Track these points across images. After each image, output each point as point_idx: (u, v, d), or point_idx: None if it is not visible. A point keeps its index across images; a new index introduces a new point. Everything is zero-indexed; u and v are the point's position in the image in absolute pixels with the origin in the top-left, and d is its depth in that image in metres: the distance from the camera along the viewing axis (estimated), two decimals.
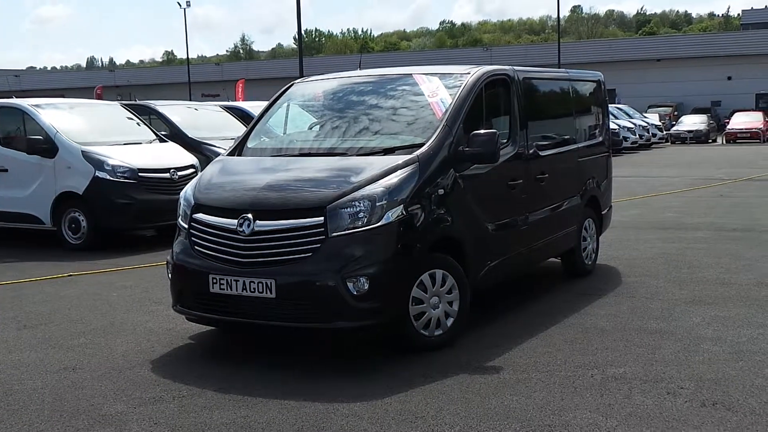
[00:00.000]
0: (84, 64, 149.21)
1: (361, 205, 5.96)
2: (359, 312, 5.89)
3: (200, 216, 6.42)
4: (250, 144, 7.43)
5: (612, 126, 32.74)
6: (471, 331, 6.78)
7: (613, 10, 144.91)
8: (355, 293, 5.83)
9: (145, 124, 13.75)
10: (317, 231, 5.93)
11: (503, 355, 6.20)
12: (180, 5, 67.57)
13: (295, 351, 6.50)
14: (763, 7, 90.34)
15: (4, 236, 13.08)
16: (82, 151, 11.73)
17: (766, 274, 8.95)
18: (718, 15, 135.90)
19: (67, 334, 7.24)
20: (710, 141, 42.99)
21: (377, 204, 5.97)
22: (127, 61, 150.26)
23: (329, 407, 5.20)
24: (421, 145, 6.45)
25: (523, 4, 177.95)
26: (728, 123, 43.65)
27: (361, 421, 4.97)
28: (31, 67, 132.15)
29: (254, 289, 5.94)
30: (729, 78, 59.62)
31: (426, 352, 6.23)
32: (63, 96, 18.11)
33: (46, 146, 11.87)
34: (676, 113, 49.98)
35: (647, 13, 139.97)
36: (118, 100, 19.44)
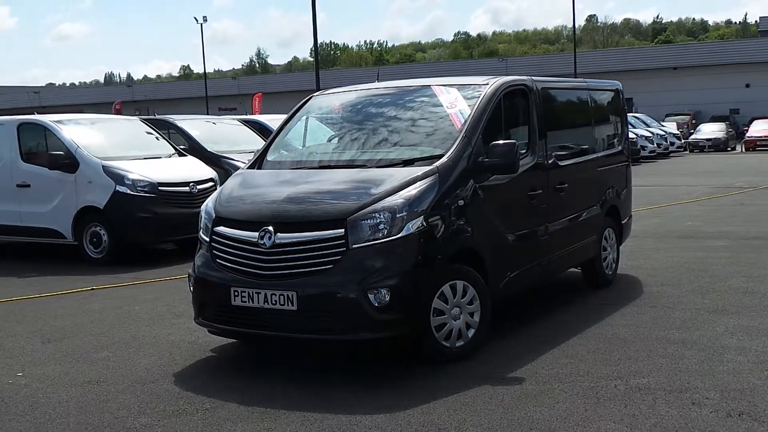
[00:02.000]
0: (102, 80, 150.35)
1: (382, 216, 5.96)
2: (381, 323, 5.89)
3: (221, 229, 6.44)
4: (269, 157, 7.45)
5: (629, 135, 32.77)
6: (492, 341, 6.75)
7: (629, 19, 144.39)
8: (376, 305, 5.83)
9: (165, 138, 13.84)
10: (338, 243, 5.93)
11: (525, 366, 6.17)
12: (197, 20, 68.04)
13: (316, 363, 6.51)
14: None
15: (27, 251, 13.18)
16: (102, 165, 11.82)
17: None
18: (736, 22, 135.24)
19: (91, 347, 7.28)
20: (729, 149, 42.71)
21: (397, 215, 5.97)
22: (145, 77, 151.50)
23: (352, 419, 5.19)
24: (440, 156, 6.45)
25: (538, 14, 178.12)
26: (747, 131, 43.36)
27: None
28: (51, 83, 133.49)
29: (276, 301, 5.95)
30: (747, 85, 59.30)
31: (448, 364, 6.21)
32: (82, 112, 18.19)
33: (68, 161, 11.98)
34: (694, 122, 49.73)
35: (663, 21, 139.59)
36: (136, 115, 19.57)
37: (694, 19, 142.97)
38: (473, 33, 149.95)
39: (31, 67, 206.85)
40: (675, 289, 8.80)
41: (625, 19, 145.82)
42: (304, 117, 7.94)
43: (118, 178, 11.68)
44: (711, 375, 5.82)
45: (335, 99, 8.02)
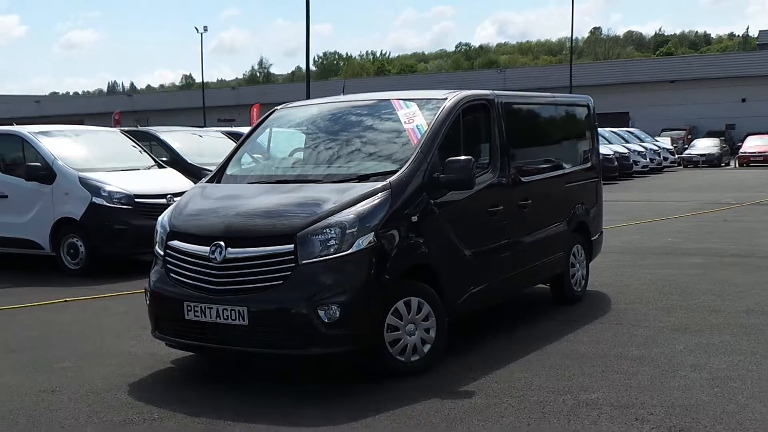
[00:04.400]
0: (105, 89, 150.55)
1: (332, 232, 5.99)
2: (331, 339, 5.92)
3: (175, 243, 6.47)
4: (229, 171, 7.46)
5: (622, 150, 32.77)
6: (451, 355, 6.76)
7: (632, 31, 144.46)
8: (326, 321, 5.85)
9: (145, 150, 13.89)
10: (288, 258, 5.97)
11: (479, 380, 6.20)
12: (197, 30, 68.29)
13: (268, 376, 6.53)
14: None
15: (3, 262, 13.19)
16: (79, 177, 11.82)
17: (758, 302, 8.84)
18: (738, 35, 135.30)
19: (53, 358, 7.29)
20: (723, 164, 42.68)
21: (348, 231, 5.99)
22: (148, 86, 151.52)
23: (294, 431, 5.24)
24: (394, 172, 6.47)
25: (544, 26, 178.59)
26: (741, 146, 43.35)
27: None
28: (54, 92, 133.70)
29: (227, 316, 5.99)
30: (743, 100, 59.22)
31: (402, 377, 6.23)
32: (82, 122, 18.21)
33: (45, 173, 11.98)
34: (689, 136, 49.73)
35: (666, 34, 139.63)
36: (135, 126, 19.62)
37: (696, 32, 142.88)
38: (478, 44, 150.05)
39: (38, 75, 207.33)
40: (643, 306, 8.81)
41: (628, 32, 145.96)
42: (267, 130, 7.98)
43: (95, 189, 11.69)
44: (660, 391, 5.86)
45: (298, 112, 8.06)
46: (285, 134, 8.01)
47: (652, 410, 5.43)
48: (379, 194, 6.25)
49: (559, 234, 8.67)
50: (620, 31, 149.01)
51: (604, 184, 24.78)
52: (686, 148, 44.40)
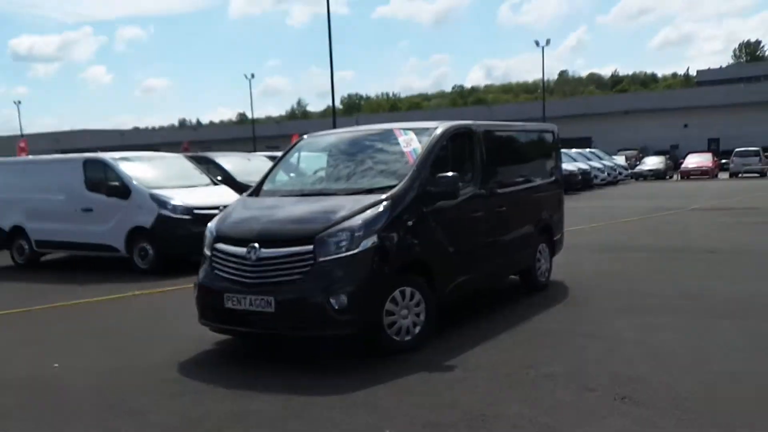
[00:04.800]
0: (177, 124, 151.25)
1: (343, 235, 5.89)
2: (341, 322, 5.80)
3: (220, 245, 6.39)
4: (265, 187, 7.38)
5: (585, 167, 32.44)
6: (438, 335, 6.62)
7: (593, 73, 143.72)
8: (337, 307, 5.74)
9: (203, 171, 13.83)
10: (308, 257, 5.87)
11: (459, 356, 6.04)
12: (246, 77, 68.83)
13: (295, 355, 6.40)
14: (718, 66, 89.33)
15: (88, 263, 13.18)
16: (150, 193, 11.77)
17: (688, 287, 8.64)
18: (680, 75, 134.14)
19: (123, 342, 7.20)
20: (668, 177, 42.20)
21: (356, 234, 5.89)
22: (210, 121, 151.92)
23: (310, 399, 5.12)
24: (394, 186, 6.37)
25: (522, 69, 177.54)
26: (683, 163, 42.86)
27: (332, 410, 4.89)
28: (136, 127, 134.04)
29: (258, 304, 5.90)
30: (685, 126, 58.72)
31: (397, 354, 6.09)
32: (157, 150, 18.07)
33: (122, 190, 11.96)
34: (640, 155, 49.16)
35: (621, 75, 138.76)
36: (200, 152, 19.54)
37: (646, 72, 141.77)
38: (470, 86, 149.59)
39: (122, 114, 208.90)
40: (595, 292, 8.62)
41: (590, 73, 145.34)
42: (297, 153, 7.89)
43: (162, 203, 11.64)
44: (607, 364, 5.68)
45: (322, 140, 7.96)
46: (311, 156, 7.91)
47: (600, 381, 5.26)
48: (382, 204, 6.16)
49: (528, 235, 8.52)
50: (584, 73, 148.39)
51: (570, 194, 24.53)
52: (637, 165, 43.88)
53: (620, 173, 37.96)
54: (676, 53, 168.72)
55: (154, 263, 11.73)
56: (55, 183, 12.96)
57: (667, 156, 47.08)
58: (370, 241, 5.93)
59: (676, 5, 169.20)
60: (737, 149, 41.46)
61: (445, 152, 6.99)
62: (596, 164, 34.70)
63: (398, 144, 6.97)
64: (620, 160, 41.74)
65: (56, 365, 6.40)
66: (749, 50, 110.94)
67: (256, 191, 7.36)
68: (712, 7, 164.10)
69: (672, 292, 8.44)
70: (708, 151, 48.52)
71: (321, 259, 5.84)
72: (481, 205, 7.42)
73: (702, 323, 6.90)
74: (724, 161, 43.46)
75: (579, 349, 6.16)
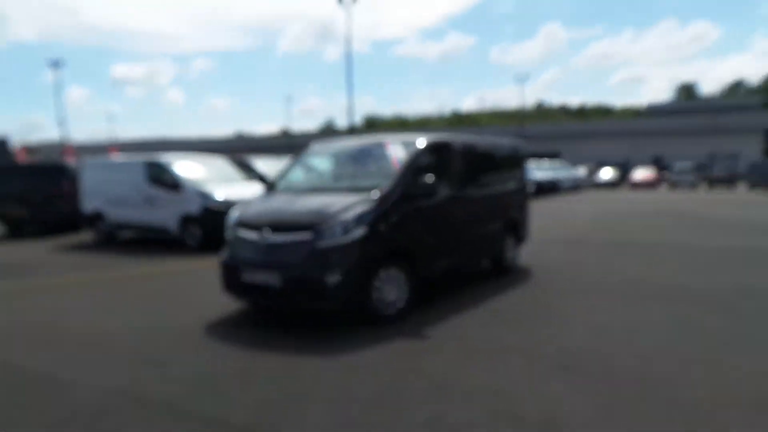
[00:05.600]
0: (233, 135, 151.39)
1: (338, 225, 5.60)
2: (334, 297, 5.52)
3: (240, 230, 6.13)
4: (281, 185, 7.09)
5: (554, 176, 31.92)
6: (419, 310, 6.32)
7: (564, 104, 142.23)
8: (331, 284, 5.46)
9: (241, 171, 13.58)
10: (308, 243, 5.59)
11: (434, 328, 5.74)
12: (286, 99, 69.12)
13: (299, 323, 6.09)
14: (662, 101, 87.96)
15: (150, 243, 13.00)
16: (196, 189, 11.56)
17: (629, 276, 8.21)
18: (632, 106, 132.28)
19: (165, 306, 6.98)
20: (619, 186, 41.41)
21: (348, 225, 5.61)
22: (261, 135, 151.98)
23: (306, 360, 4.85)
24: (382, 187, 6.05)
25: (508, 98, 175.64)
26: (631, 174, 42.05)
27: (323, 370, 4.62)
28: (204, 137, 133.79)
29: (267, 279, 5.64)
30: (634, 146, 57.88)
31: (383, 325, 5.80)
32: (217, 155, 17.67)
33: (174, 185, 11.76)
34: (597, 167, 48.30)
35: (587, 105, 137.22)
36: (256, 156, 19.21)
37: (606, 104, 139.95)
38: (465, 110, 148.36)
39: (192, 126, 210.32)
40: (553, 277, 8.23)
41: (561, 104, 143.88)
42: (306, 158, 7.58)
43: (206, 196, 11.41)
44: (556, 338, 5.35)
45: (328, 146, 7.65)
46: (317, 160, 7.58)
47: (548, 352, 4.95)
48: (371, 201, 5.85)
49: (497, 229, 8.17)
50: (556, 103, 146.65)
51: (541, 197, 23.96)
52: (595, 175, 43.08)
53: (582, 182, 37.25)
54: (631, 89, 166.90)
55: (200, 243, 11.50)
56: (125, 178, 12.83)
57: (619, 169, 46.25)
58: (360, 231, 5.63)
59: (632, 52, 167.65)
60: (676, 165, 40.74)
61: (425, 160, 6.64)
62: (562, 174, 34.07)
63: (388, 152, 6.65)
64: (582, 171, 40.98)
65: (112, 323, 6.17)
66: (687, 90, 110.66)
67: (273, 188, 7.07)
68: (661, 55, 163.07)
69: (616, 278, 8.04)
70: (652, 165, 47.66)
71: (319, 244, 5.55)
72: (457, 204, 7.07)
73: (638, 305, 6.52)
74: (665, 172, 42.61)
75: (534, 325, 5.82)
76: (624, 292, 7.21)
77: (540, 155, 49.75)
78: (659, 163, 52.27)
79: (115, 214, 13.06)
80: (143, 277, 9.00)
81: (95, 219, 13.54)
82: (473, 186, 7.49)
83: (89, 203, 13.62)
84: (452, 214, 6.97)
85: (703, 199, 25.24)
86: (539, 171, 31.29)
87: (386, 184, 6.09)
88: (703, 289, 7.29)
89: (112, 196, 13.08)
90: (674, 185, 38.92)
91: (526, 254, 9.66)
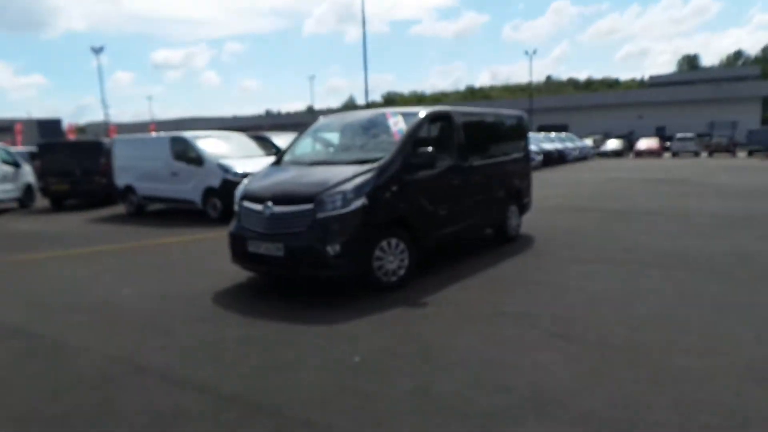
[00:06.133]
0: (263, 113, 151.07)
1: (338, 197, 5.30)
2: (335, 266, 5.25)
3: (245, 203, 5.87)
4: (285, 158, 6.79)
5: (561, 147, 31.02)
6: (420, 277, 6.03)
7: (571, 77, 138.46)
8: (332, 254, 5.20)
9: (260, 146, 13.29)
10: (309, 213, 5.31)
11: (432, 295, 5.45)
12: (308, 78, 68.49)
13: (302, 291, 5.84)
14: (662, 73, 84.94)
15: (174, 213, 12.88)
16: (217, 163, 11.31)
17: (629, 243, 7.79)
18: (638, 79, 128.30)
19: (178, 273, 6.80)
20: (625, 156, 40.21)
21: (348, 196, 5.30)
22: (287, 112, 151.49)
23: (303, 328, 4.60)
24: (381, 158, 5.72)
25: (519, 73, 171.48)
26: (636, 144, 40.78)
27: (318, 338, 4.37)
28: (234, 115, 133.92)
29: (271, 250, 5.39)
30: (640, 117, 56.09)
31: (384, 292, 5.54)
32: (247, 132, 17.26)
33: (197, 160, 11.53)
34: (604, 138, 46.93)
35: (593, 78, 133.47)
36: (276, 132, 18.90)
37: (611, 77, 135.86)
38: (479, 86, 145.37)
39: (225, 105, 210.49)
40: (553, 244, 7.86)
41: (569, 77, 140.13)
42: (314, 131, 7.25)
43: (226, 169, 11.14)
44: (551, 306, 5.03)
45: (334, 119, 7.30)
46: (322, 134, 7.25)
47: (543, 321, 4.63)
48: (370, 172, 5.53)
49: (499, 198, 7.78)
50: (564, 77, 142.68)
51: (548, 168, 23.28)
52: (601, 146, 41.88)
53: (589, 152, 36.21)
54: (635, 63, 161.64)
55: (221, 214, 11.29)
56: (153, 154, 12.63)
57: (625, 139, 44.90)
58: (359, 202, 5.33)
59: (637, 27, 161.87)
60: (677, 135, 39.42)
61: (426, 132, 6.29)
62: (570, 145, 33.13)
63: (388, 124, 6.28)
64: (589, 141, 39.83)
65: (126, 291, 6.02)
66: (689, 61, 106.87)
67: (279, 161, 6.77)
68: (663, 29, 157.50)
69: (615, 246, 7.63)
70: (656, 136, 46.17)
71: (320, 215, 5.27)
72: (458, 174, 6.70)
73: (635, 272, 6.16)
74: (667, 144, 41.25)
75: (531, 293, 5.49)
76: (622, 259, 6.82)
77: (548, 127, 48.60)
78: (662, 133, 50.68)
79: (144, 187, 12.92)
80: (163, 247, 8.85)
81: (127, 193, 13.46)
82: (475, 156, 7.10)
83: (121, 178, 13.52)
84: (454, 184, 6.61)
85: (704, 166, 24.33)
86: (546, 142, 30.44)
87: (386, 155, 5.75)
88: (701, 255, 6.87)
89: (141, 171, 12.93)
90: (677, 153, 37.74)
91: (529, 222, 9.28)
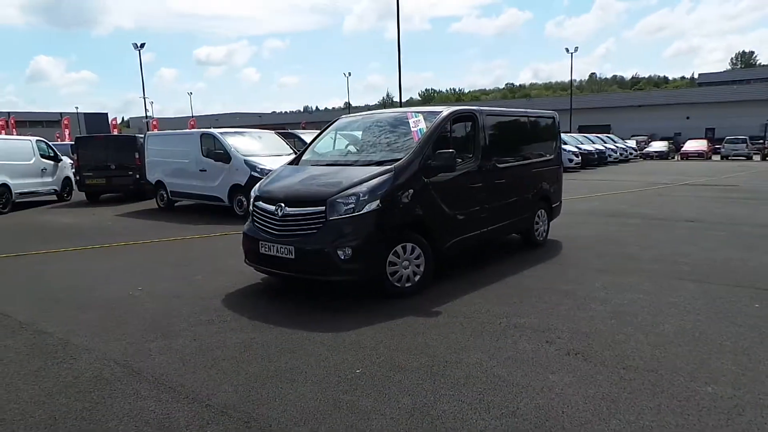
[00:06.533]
0: (301, 109, 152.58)
1: (351, 199, 5.14)
2: (346, 270, 5.10)
3: (259, 203, 5.78)
4: (304, 157, 6.66)
5: (600, 148, 30.04)
6: (436, 283, 5.81)
7: (616, 75, 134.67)
8: (342, 258, 5.04)
9: (288, 144, 13.26)
10: (321, 216, 5.17)
11: (446, 303, 5.23)
12: (344, 75, 68.72)
13: (314, 295, 5.70)
14: (713, 71, 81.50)
15: (202, 208, 13.00)
16: (244, 160, 11.34)
17: (664, 253, 7.38)
18: (687, 77, 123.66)
19: (193, 272, 6.72)
20: (670, 158, 38.75)
21: (361, 198, 5.13)
22: (325, 108, 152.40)
23: (307, 335, 4.46)
24: (398, 160, 5.53)
25: (564, 71, 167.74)
26: (683, 146, 39.23)
27: (321, 346, 4.21)
28: (273, 111, 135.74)
29: (282, 252, 5.27)
30: (687, 118, 54.04)
31: (397, 299, 5.34)
32: (284, 128, 17.26)
33: (225, 157, 11.59)
34: (649, 140, 45.34)
35: (639, 77, 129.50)
36: (289, 130, 18.96)
37: (659, 76, 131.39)
38: (519, 84, 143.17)
39: (264, 102, 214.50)
40: (583, 252, 7.51)
41: (613, 75, 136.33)
42: (333, 131, 7.11)
43: (253, 167, 11.17)
44: (571, 320, 4.74)
45: (353, 120, 7.14)
46: (342, 134, 7.09)
47: (560, 335, 4.36)
48: (386, 174, 5.35)
49: (526, 202, 7.46)
50: (609, 75, 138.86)
51: (587, 169, 22.65)
52: (646, 147, 40.46)
53: (631, 153, 35.02)
54: (685, 61, 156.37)
55: (247, 211, 11.30)
56: (183, 150, 12.78)
57: (671, 141, 43.28)
58: (373, 205, 5.15)
59: (687, 24, 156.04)
60: (728, 137, 37.74)
61: (447, 132, 6.05)
62: (610, 146, 32.09)
63: (408, 124, 6.07)
64: (631, 143, 38.50)
65: (139, 289, 6.01)
66: (744, 59, 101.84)
67: (296, 160, 6.64)
68: (716, 26, 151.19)
69: (648, 255, 7.22)
70: (704, 138, 44.33)
71: (331, 218, 5.12)
72: (481, 176, 6.44)
73: (668, 285, 5.78)
74: (717, 146, 39.52)
75: (552, 304, 5.19)
76: (656, 270, 6.44)
77: (589, 127, 47.29)
78: (712, 135, 48.63)
79: (173, 183, 13.09)
80: (185, 243, 8.89)
81: (157, 188, 13.66)
82: (501, 158, 6.83)
83: (152, 173, 13.74)
84: (476, 187, 6.36)
85: (756, 171, 23.13)
86: (586, 143, 29.58)
87: (404, 156, 5.56)
88: (744, 269, 6.41)
89: (171, 167, 13.09)
90: (726, 156, 36.13)
91: (559, 228, 8.93)
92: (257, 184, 6.17)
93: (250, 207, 5.97)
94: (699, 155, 36.66)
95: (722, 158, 36.23)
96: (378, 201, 5.16)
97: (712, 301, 5.20)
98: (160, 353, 4.13)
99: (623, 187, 17.18)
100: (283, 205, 5.38)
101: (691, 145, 38.20)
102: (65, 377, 3.77)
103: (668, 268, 6.52)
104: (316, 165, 6.19)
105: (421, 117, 6.05)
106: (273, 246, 5.35)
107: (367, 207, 5.12)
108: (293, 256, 5.20)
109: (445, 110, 6.15)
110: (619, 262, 6.90)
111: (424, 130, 5.84)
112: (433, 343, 4.23)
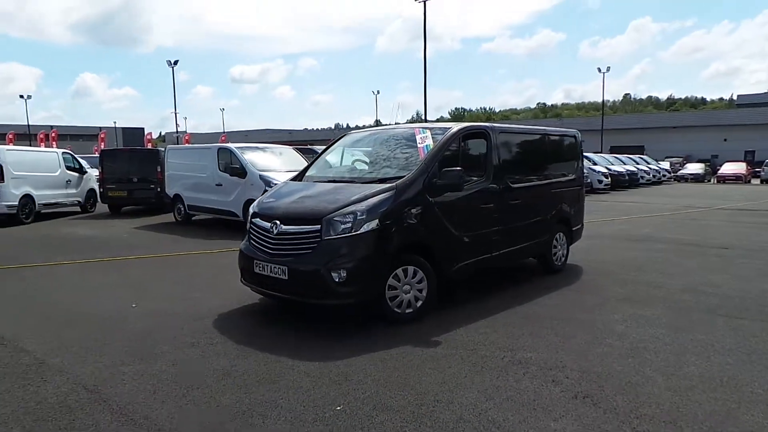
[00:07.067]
0: (333, 127, 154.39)
1: (348, 218, 4.84)
2: (340, 294, 4.78)
3: (256, 220, 5.52)
4: (308, 173, 6.41)
5: (632, 169, 29.17)
6: (440, 310, 5.45)
7: (651, 96, 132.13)
8: (337, 280, 4.73)
9: (306, 159, 13.10)
10: (316, 235, 4.88)
11: (449, 333, 4.84)
12: (373, 93, 69.38)
13: (311, 318, 5.39)
14: (752, 93, 79.06)
15: (216, 223, 12.90)
16: (260, 175, 11.21)
17: (693, 282, 6.84)
18: (725, 99, 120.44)
19: (191, 291, 6.46)
20: (706, 181, 37.41)
21: (359, 218, 4.83)
22: (356, 125, 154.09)
23: (292, 363, 4.15)
24: (401, 177, 5.23)
25: (596, 92, 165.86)
26: (719, 169, 37.84)
27: (305, 377, 3.89)
28: (306, 128, 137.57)
29: (276, 272, 5.00)
30: (725, 140, 52.32)
31: (397, 325, 5.00)
32: (311, 144, 17.27)
33: (241, 171, 11.48)
34: (684, 162, 43.95)
35: (675, 98, 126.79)
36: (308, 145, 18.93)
37: (696, 97, 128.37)
38: (550, 103, 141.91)
39: (297, 119, 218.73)
40: (604, 279, 7.02)
41: (648, 96, 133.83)
42: (341, 147, 6.85)
43: (268, 182, 10.98)
44: (583, 356, 4.31)
45: (360, 135, 6.88)
46: (347, 150, 6.82)
47: (568, 374, 3.94)
48: (387, 192, 5.04)
49: (544, 224, 7.03)
50: (644, 95, 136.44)
51: (617, 191, 21.99)
52: (680, 170, 39.18)
53: (664, 175, 33.92)
54: (724, 82, 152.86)
55: None
56: (201, 164, 12.76)
57: (707, 163, 41.87)
58: (372, 224, 4.84)
59: (726, 45, 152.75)
60: None
61: (456, 150, 5.72)
62: (642, 167, 31.14)
63: (414, 141, 5.77)
64: (665, 164, 37.37)
65: (134, 305, 5.82)
66: None
67: (299, 176, 6.39)
68: (758, 46, 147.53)
69: (676, 285, 6.69)
70: (743, 160, 42.74)
71: (326, 237, 4.83)
72: (493, 197, 6.07)
73: (695, 319, 5.28)
74: (757, 169, 38.01)
75: (564, 337, 4.76)
76: (682, 301, 5.94)
77: (621, 148, 46.19)
78: (751, 158, 46.88)
79: (190, 197, 13.08)
80: (193, 258, 8.72)
81: (175, 201, 13.67)
82: (516, 177, 6.46)
83: (171, 187, 13.76)
84: (488, 208, 5.99)
85: None
86: (617, 164, 28.76)
87: (407, 174, 5.25)
88: None
89: (188, 181, 13.10)
90: (766, 180, 34.64)
91: (581, 252, 8.45)
92: (256, 201, 5.93)
93: (248, 224, 5.73)
94: (737, 178, 35.28)
95: (762, 182, 34.79)
96: (377, 220, 4.86)
97: (744, 340, 4.69)
98: (134, 379, 3.88)
99: (654, 210, 16.46)
100: (278, 222, 5.13)
101: (729, 168, 36.81)
102: (27, 402, 3.55)
103: (696, 299, 6.01)
104: (319, 181, 5.93)
105: (428, 133, 5.75)
106: (267, 266, 5.09)
107: (365, 226, 4.81)
108: (286, 277, 4.92)
109: (455, 127, 5.83)
110: (643, 291, 6.41)
111: (431, 147, 5.53)
112: (426, 379, 3.87)
